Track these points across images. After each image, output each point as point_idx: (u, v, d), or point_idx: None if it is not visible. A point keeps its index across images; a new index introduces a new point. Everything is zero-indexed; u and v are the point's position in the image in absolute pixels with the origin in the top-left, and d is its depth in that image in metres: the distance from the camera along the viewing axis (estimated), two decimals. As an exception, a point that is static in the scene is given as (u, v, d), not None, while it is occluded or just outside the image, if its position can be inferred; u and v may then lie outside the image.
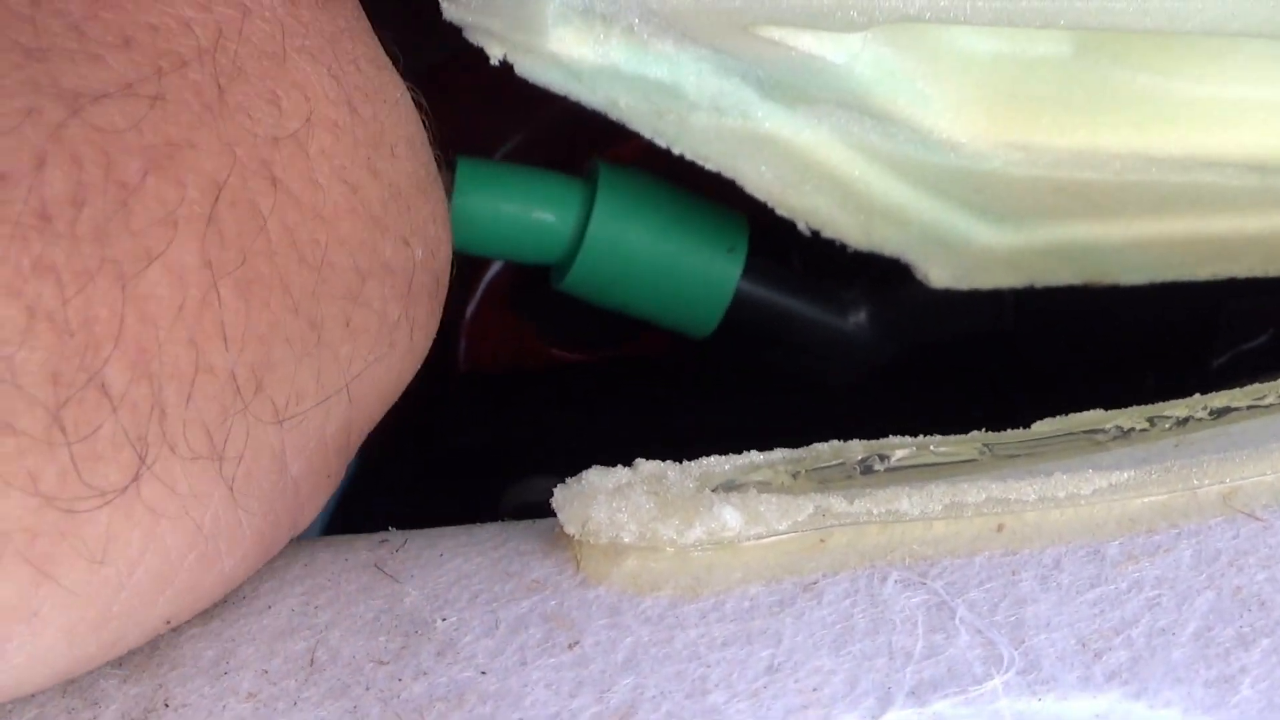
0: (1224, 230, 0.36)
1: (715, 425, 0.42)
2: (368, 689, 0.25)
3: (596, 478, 0.27)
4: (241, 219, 0.23)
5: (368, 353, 0.27)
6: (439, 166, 0.30)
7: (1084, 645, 0.24)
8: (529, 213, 0.37)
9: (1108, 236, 0.36)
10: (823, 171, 0.34)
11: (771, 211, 0.35)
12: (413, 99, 0.29)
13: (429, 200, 0.28)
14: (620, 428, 0.41)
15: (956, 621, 0.25)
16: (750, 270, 0.39)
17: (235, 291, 0.23)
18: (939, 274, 0.37)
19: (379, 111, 0.27)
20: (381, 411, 0.29)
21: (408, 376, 0.29)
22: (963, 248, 0.37)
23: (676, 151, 0.34)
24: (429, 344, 0.29)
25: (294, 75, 0.25)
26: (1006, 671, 0.24)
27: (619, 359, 0.44)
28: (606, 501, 0.26)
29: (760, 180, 0.35)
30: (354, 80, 0.26)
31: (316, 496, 0.27)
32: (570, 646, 0.25)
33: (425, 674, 0.25)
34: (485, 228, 0.36)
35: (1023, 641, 0.24)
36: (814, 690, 0.24)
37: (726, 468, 0.28)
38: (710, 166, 0.34)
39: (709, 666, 0.25)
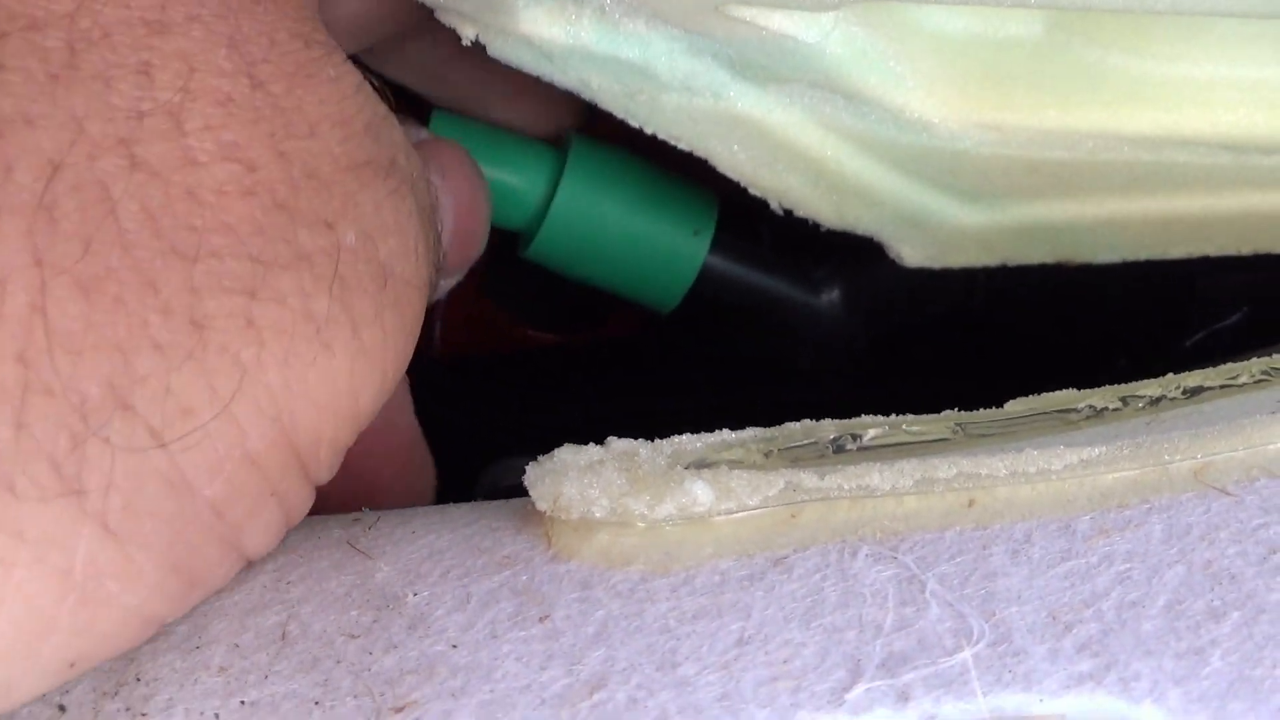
0: (1197, 209, 0.36)
1: (689, 408, 0.42)
2: (339, 662, 0.25)
3: (568, 455, 0.27)
4: (86, 204, 0.21)
5: (288, 355, 0.23)
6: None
7: (1054, 618, 0.24)
8: (498, 174, 0.37)
9: (1081, 216, 0.37)
10: (795, 151, 0.34)
11: (744, 189, 0.35)
12: (374, 86, 0.27)
13: (367, 185, 0.26)
14: (595, 410, 0.41)
15: (927, 595, 0.25)
16: (718, 247, 0.39)
17: (75, 292, 0.20)
18: (912, 253, 0.37)
19: (296, 87, 0.25)
20: (360, 417, 0.26)
21: (377, 381, 0.26)
22: (935, 227, 0.37)
23: (648, 132, 0.34)
24: (399, 343, 0.26)
25: (177, 43, 0.23)
26: (976, 643, 0.24)
27: (594, 341, 0.44)
28: (578, 478, 0.26)
29: (732, 160, 0.35)
30: (262, 53, 0.24)
31: (298, 510, 0.26)
32: (541, 620, 0.25)
33: (396, 647, 0.25)
34: None
35: (993, 614, 0.24)
36: (784, 662, 0.24)
37: (698, 446, 0.28)
38: (682, 146, 0.34)
39: (679, 639, 0.25)
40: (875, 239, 0.37)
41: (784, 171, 0.35)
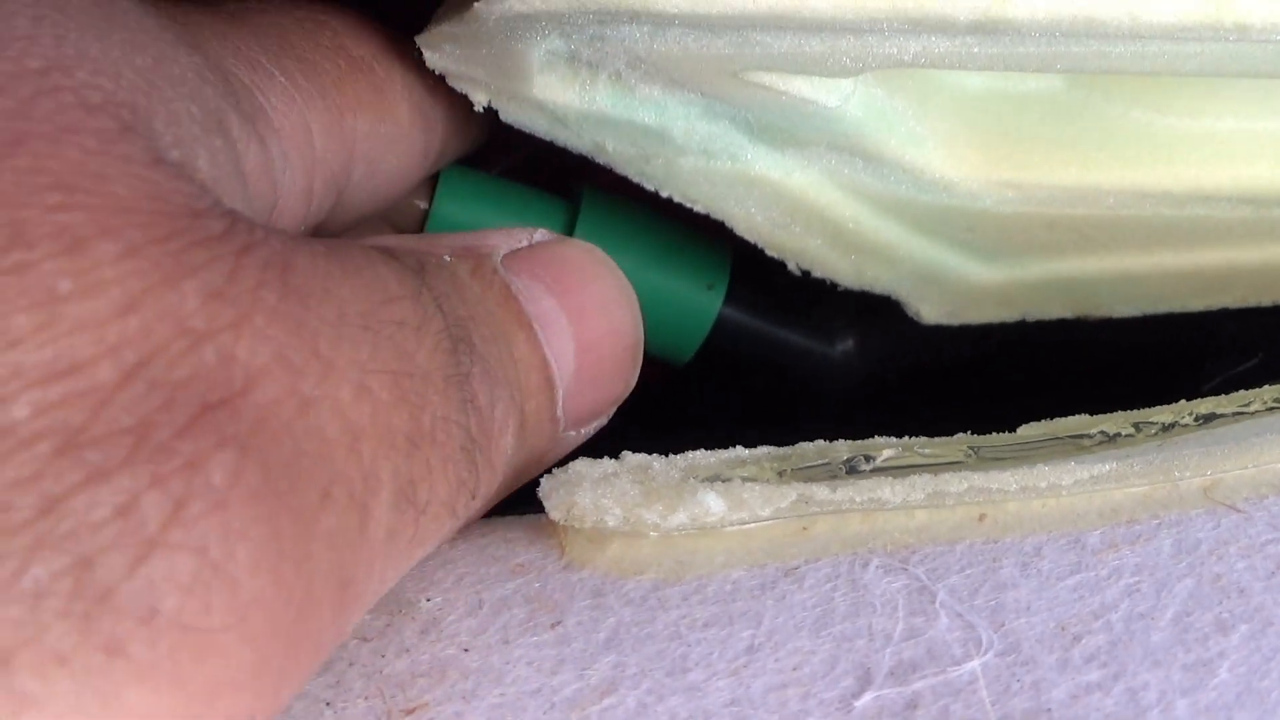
0: (1217, 262, 0.36)
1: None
2: (351, 664, 0.25)
3: (583, 467, 0.28)
4: None
5: None
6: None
7: (1063, 629, 0.24)
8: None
9: (1100, 271, 0.36)
10: (813, 213, 0.34)
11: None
12: None
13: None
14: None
15: (937, 605, 0.25)
16: (732, 299, 0.39)
17: None
18: (930, 311, 0.37)
19: None
20: None
21: None
22: (954, 285, 0.37)
23: (664, 194, 0.34)
24: None
25: None
26: (985, 653, 0.24)
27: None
28: (592, 488, 0.27)
29: (750, 222, 0.34)
30: None
31: None
32: (553, 626, 0.25)
33: (408, 651, 0.25)
34: None
35: (1002, 625, 0.25)
36: (794, 669, 0.24)
37: (712, 461, 0.28)
38: (699, 209, 0.34)
39: (689, 646, 0.25)
40: (893, 297, 0.37)
41: (802, 233, 0.35)
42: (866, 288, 0.37)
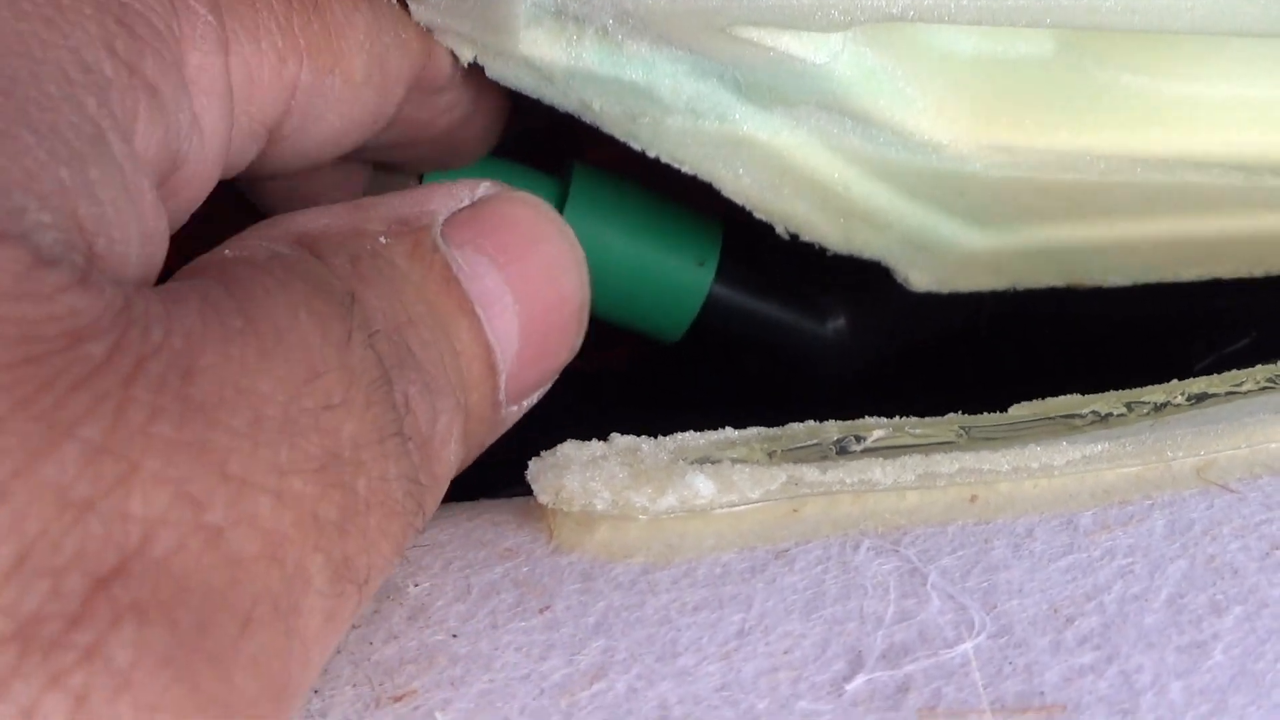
0: (1210, 231, 0.36)
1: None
2: (338, 652, 0.25)
3: (571, 450, 0.27)
4: None
5: None
6: None
7: (1056, 611, 0.24)
8: None
9: (1091, 238, 0.36)
10: (802, 175, 0.34)
11: (749, 212, 0.35)
12: None
13: None
14: (600, 438, 0.41)
15: (928, 587, 0.25)
16: (723, 277, 0.38)
17: None
18: (919, 278, 0.37)
19: None
20: None
21: None
22: (944, 251, 0.36)
23: (651, 155, 0.33)
24: None
25: None
26: (978, 635, 0.24)
27: (599, 369, 0.44)
28: (580, 471, 0.27)
29: (738, 184, 0.34)
30: None
31: None
32: (542, 611, 0.25)
33: (396, 637, 0.25)
34: None
35: (994, 607, 0.24)
36: (784, 653, 0.24)
37: (701, 443, 0.28)
38: (686, 170, 0.33)
39: (679, 630, 0.24)
40: (882, 263, 0.37)
41: (790, 195, 0.34)
42: (855, 253, 0.36)
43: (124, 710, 0.17)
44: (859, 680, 0.23)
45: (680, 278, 0.38)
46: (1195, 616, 0.24)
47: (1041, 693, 0.23)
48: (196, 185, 0.26)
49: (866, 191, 0.34)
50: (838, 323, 0.41)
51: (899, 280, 0.37)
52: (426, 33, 0.31)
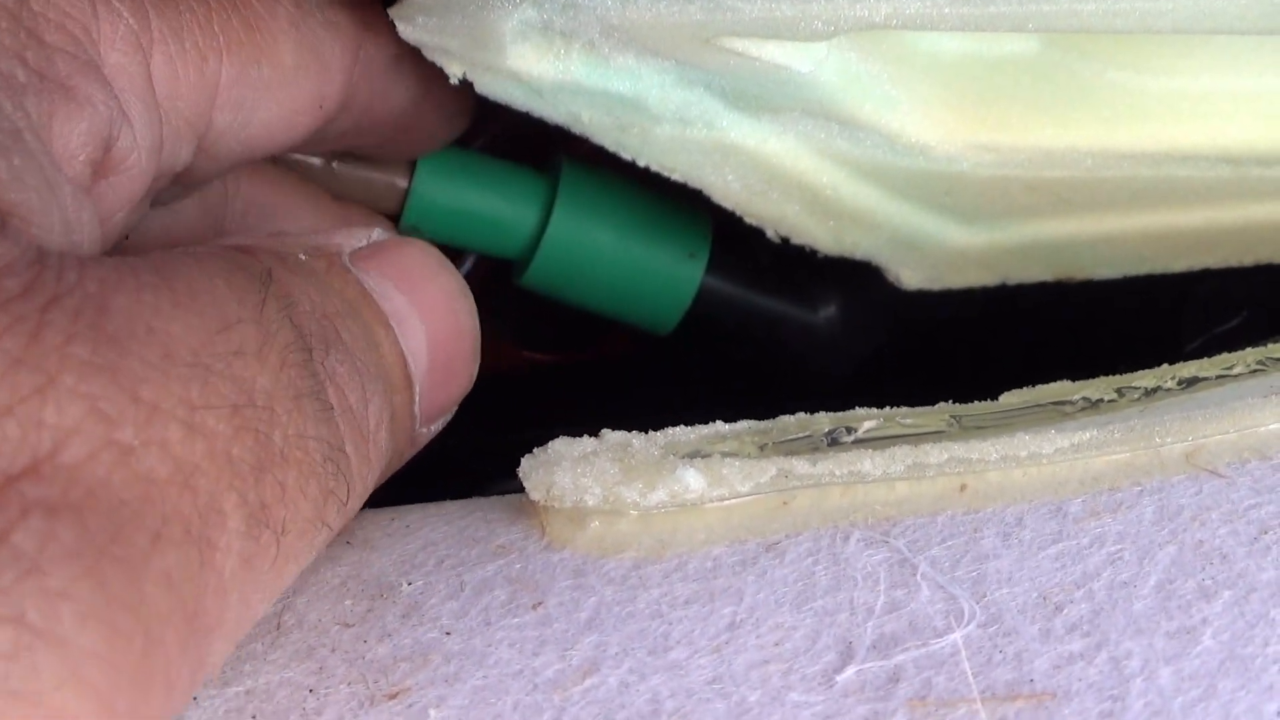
0: (1198, 223, 0.36)
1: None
2: (333, 650, 0.25)
3: (562, 446, 0.28)
4: None
5: None
6: None
7: (1045, 598, 0.24)
8: (489, 206, 0.37)
9: (1081, 233, 0.36)
10: (790, 179, 0.34)
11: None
12: None
13: None
14: (593, 430, 0.41)
15: (918, 577, 0.25)
16: (714, 268, 0.39)
17: None
18: (910, 276, 0.37)
19: None
20: None
21: None
22: (934, 250, 0.36)
23: (641, 164, 0.33)
24: None
25: None
26: (967, 624, 0.24)
27: (591, 361, 0.44)
28: (571, 467, 0.27)
29: (727, 190, 0.34)
30: None
31: None
32: (534, 607, 0.25)
33: (390, 635, 0.25)
34: (445, 217, 0.36)
35: (984, 595, 0.24)
36: (775, 645, 0.24)
37: (692, 437, 0.28)
38: (676, 177, 0.34)
39: (671, 624, 0.25)
40: (874, 263, 0.37)
41: (779, 200, 0.34)
42: (846, 254, 0.36)
43: (28, 595, 0.18)
44: (850, 671, 0.24)
45: (671, 269, 0.38)
46: (1184, 602, 0.24)
47: (1031, 680, 0.23)
48: (135, 174, 0.27)
49: (855, 193, 0.35)
50: (829, 312, 0.41)
51: (890, 279, 0.37)
52: (356, 12, 0.31)
